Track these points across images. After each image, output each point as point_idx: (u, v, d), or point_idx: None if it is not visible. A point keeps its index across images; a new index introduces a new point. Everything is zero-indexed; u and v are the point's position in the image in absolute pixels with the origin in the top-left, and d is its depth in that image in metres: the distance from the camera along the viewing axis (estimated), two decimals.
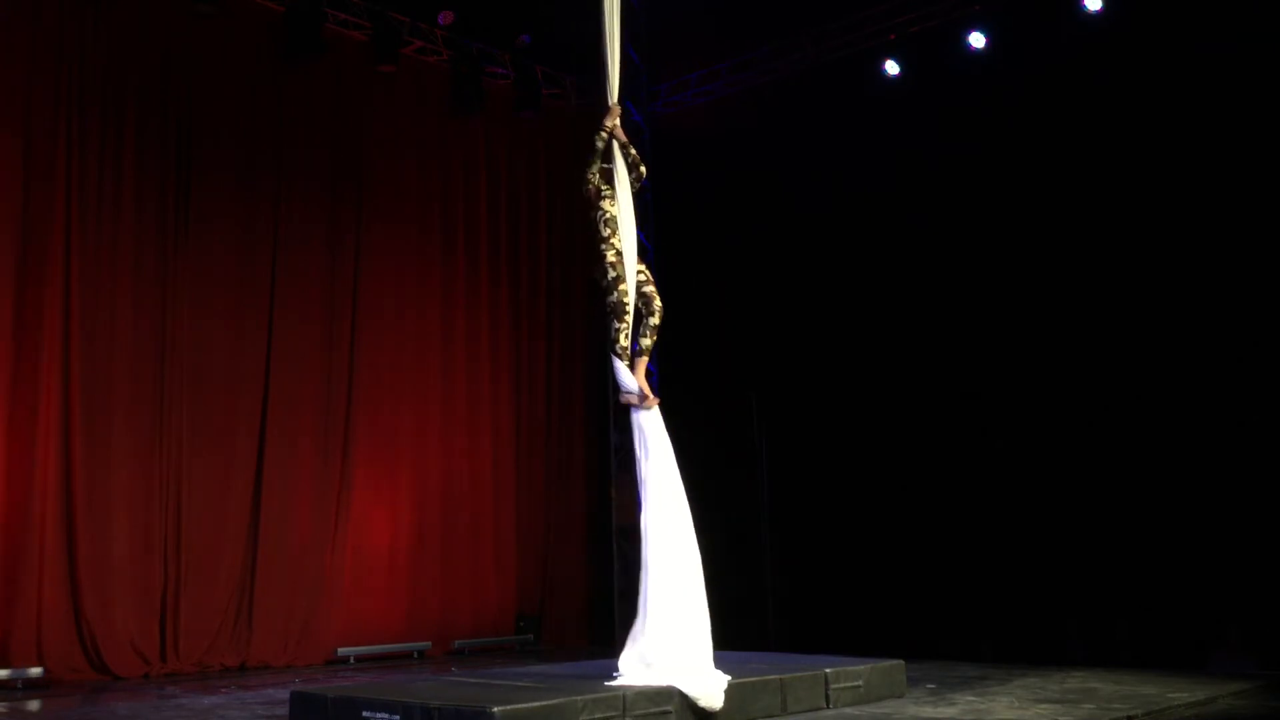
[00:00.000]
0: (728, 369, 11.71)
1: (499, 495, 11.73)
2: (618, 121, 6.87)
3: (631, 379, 6.68)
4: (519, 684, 6.20)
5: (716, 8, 11.65)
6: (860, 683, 6.84)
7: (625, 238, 6.75)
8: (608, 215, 6.78)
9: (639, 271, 6.80)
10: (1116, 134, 9.41)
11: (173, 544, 9.49)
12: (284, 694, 7.01)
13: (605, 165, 6.89)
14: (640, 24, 12.50)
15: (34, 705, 7.83)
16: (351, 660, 10.29)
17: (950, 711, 6.53)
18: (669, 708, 5.85)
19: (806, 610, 10.65)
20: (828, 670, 6.72)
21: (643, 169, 7.05)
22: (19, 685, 8.42)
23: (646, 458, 6.63)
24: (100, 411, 9.19)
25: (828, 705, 6.60)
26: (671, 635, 6.26)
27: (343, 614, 10.39)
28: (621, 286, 6.65)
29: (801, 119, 11.41)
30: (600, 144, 6.83)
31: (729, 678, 6.18)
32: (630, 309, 6.66)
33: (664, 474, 6.57)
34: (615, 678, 6.24)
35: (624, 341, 6.67)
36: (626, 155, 6.90)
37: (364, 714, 5.65)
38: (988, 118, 10.11)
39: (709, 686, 6.09)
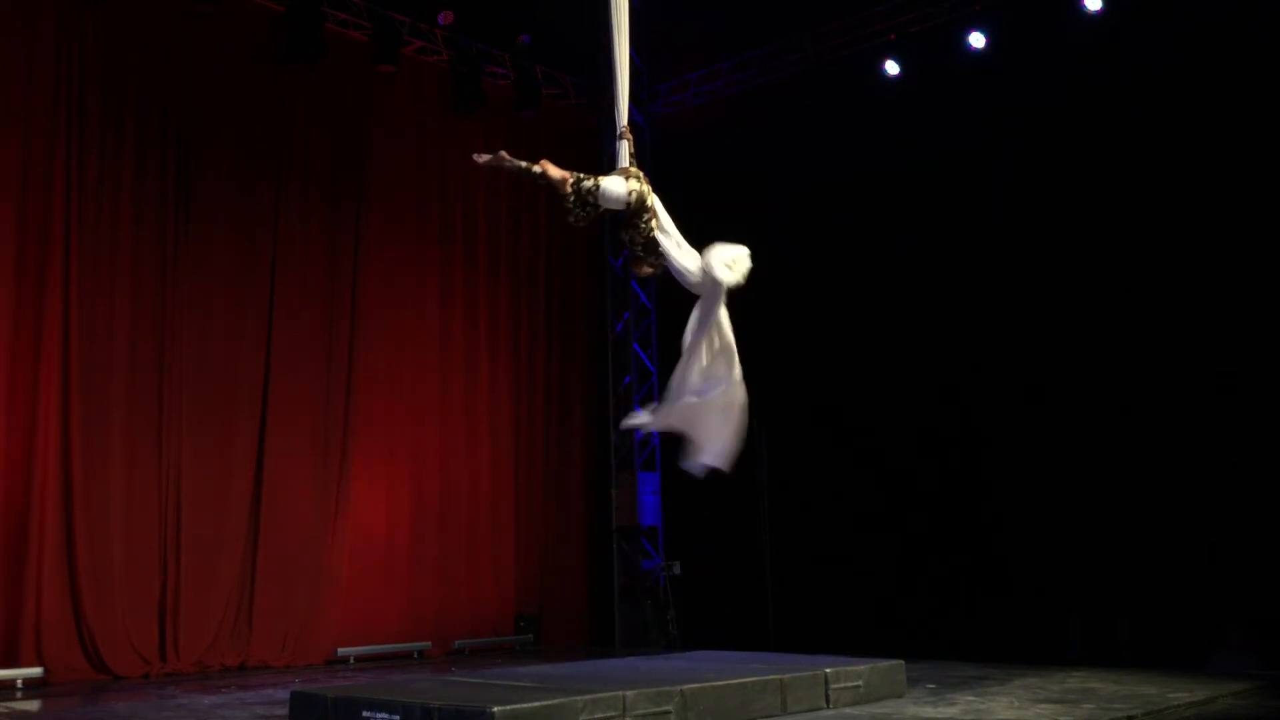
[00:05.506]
0: None
1: (498, 496, 11.72)
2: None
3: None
4: (519, 684, 6.20)
5: (716, 8, 11.65)
6: (860, 683, 6.84)
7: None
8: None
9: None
10: (1117, 134, 9.42)
11: (172, 544, 9.49)
12: (284, 694, 7.01)
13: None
14: (640, 24, 12.50)
15: (34, 705, 7.83)
16: (351, 660, 10.28)
17: (950, 711, 6.53)
18: (669, 708, 5.85)
19: (806, 610, 10.65)
20: (828, 670, 6.72)
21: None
22: (19, 685, 8.43)
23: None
24: (100, 412, 9.18)
25: (828, 705, 6.60)
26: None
27: (342, 614, 10.39)
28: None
29: (802, 119, 11.41)
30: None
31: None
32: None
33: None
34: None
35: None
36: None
37: (364, 714, 5.65)
38: (988, 118, 10.12)
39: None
